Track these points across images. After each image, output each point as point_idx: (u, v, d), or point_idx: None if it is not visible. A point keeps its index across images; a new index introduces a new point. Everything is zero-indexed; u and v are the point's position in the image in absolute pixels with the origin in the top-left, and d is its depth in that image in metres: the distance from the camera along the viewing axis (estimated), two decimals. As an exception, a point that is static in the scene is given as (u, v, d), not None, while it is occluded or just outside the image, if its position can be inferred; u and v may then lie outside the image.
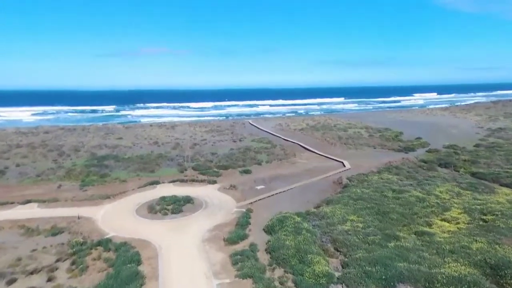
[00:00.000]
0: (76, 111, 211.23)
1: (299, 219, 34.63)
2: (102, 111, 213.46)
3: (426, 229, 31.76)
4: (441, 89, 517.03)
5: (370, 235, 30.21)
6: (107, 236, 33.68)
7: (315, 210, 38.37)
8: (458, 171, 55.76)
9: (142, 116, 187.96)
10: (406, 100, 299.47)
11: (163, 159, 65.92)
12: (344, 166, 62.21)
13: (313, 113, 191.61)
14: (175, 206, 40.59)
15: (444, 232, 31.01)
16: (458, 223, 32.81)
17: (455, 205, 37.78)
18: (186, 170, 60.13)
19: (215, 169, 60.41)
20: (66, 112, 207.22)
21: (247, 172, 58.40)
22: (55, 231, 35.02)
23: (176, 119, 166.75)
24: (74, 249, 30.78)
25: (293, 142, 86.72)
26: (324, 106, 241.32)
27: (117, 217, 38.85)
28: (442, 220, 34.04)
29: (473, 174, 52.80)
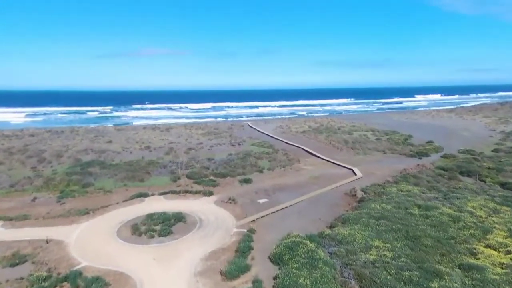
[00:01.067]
0: (70, 112, 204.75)
1: (312, 245, 28.53)
2: (98, 111, 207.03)
3: (472, 260, 25.72)
4: (442, 90, 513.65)
5: (404, 270, 24.13)
6: (78, 267, 27.45)
7: (329, 231, 32.26)
8: (484, 181, 49.83)
9: (138, 117, 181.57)
10: (408, 101, 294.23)
11: (155, 166, 59.69)
12: (355, 174, 56.14)
13: (314, 114, 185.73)
14: (163, 227, 34.38)
15: (496, 265, 24.98)
16: (509, 252, 26.76)
17: (497, 225, 31.79)
18: (179, 178, 53.97)
19: (212, 178, 54.33)
20: (61, 113, 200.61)
21: (247, 181, 52.26)
22: (15, 261, 28.75)
23: (172, 120, 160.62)
24: (33, 288, 24.59)
25: (296, 146, 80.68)
26: (325, 108, 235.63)
27: (94, 239, 32.64)
28: (486, 246, 28.03)
29: (503, 185, 46.88)
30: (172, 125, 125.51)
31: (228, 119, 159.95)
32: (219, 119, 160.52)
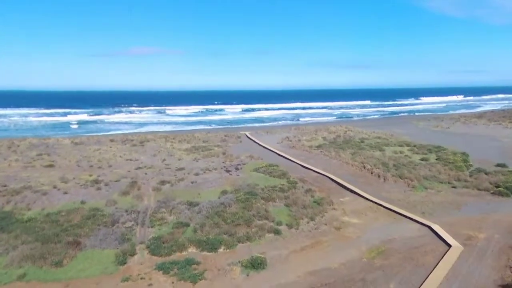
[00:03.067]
0: (41, 115, 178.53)
1: None
2: (75, 114, 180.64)
3: None
4: (440, 92, 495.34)
5: None
6: None
7: None
8: None
9: (119, 123, 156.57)
10: (419, 104, 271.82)
11: (96, 222, 35.07)
12: (443, 240, 32.11)
13: (320, 119, 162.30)
14: None
15: None
16: None
17: None
18: (133, 254, 29.61)
19: (192, 251, 30.22)
20: (28, 115, 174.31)
21: (257, 265, 27.89)
22: None
23: (156, 128, 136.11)
24: None
25: (319, 173, 56.65)
26: (331, 111, 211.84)
27: None
28: None
29: None
30: (152, 134, 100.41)
31: (221, 127, 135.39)
32: (210, 127, 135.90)
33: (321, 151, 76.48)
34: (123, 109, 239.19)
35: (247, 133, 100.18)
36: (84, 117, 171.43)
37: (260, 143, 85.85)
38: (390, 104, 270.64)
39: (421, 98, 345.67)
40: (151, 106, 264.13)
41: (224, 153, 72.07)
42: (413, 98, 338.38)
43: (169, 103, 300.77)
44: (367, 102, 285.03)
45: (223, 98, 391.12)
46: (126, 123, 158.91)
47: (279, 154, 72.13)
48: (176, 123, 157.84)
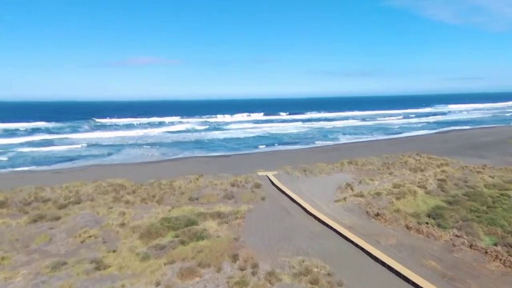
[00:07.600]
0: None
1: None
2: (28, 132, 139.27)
3: None
4: (449, 99, 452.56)
5: None
6: None
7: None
8: None
9: (81, 146, 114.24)
10: (451, 113, 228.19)
11: None
12: None
13: (366, 138, 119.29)
14: None
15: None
16: None
17: None
18: None
19: None
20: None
21: None
22: None
23: (130, 153, 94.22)
24: None
25: None
26: (364, 123, 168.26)
27: None
28: None
29: None
30: (98, 183, 57.38)
31: (227, 154, 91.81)
32: (210, 154, 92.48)
33: (456, 235, 33.21)
34: (108, 122, 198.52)
35: (271, 176, 56.80)
36: (43, 136, 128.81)
37: (306, 206, 42.43)
38: (427, 112, 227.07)
39: (448, 105, 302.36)
40: (141, 117, 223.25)
41: (234, 257, 28.78)
42: (428, 106, 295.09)
43: (165, 114, 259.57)
44: (408, 111, 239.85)
45: (226, 108, 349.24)
46: (95, 144, 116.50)
47: (378, 261, 28.75)
48: (163, 144, 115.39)
